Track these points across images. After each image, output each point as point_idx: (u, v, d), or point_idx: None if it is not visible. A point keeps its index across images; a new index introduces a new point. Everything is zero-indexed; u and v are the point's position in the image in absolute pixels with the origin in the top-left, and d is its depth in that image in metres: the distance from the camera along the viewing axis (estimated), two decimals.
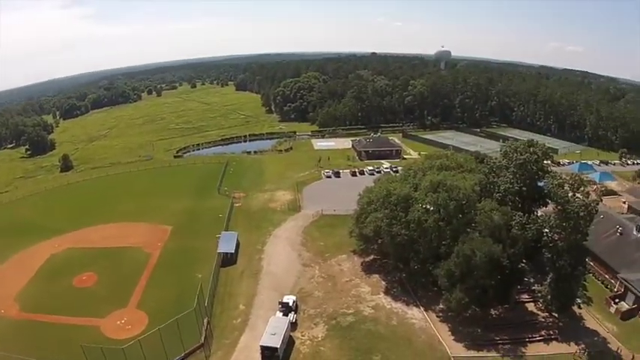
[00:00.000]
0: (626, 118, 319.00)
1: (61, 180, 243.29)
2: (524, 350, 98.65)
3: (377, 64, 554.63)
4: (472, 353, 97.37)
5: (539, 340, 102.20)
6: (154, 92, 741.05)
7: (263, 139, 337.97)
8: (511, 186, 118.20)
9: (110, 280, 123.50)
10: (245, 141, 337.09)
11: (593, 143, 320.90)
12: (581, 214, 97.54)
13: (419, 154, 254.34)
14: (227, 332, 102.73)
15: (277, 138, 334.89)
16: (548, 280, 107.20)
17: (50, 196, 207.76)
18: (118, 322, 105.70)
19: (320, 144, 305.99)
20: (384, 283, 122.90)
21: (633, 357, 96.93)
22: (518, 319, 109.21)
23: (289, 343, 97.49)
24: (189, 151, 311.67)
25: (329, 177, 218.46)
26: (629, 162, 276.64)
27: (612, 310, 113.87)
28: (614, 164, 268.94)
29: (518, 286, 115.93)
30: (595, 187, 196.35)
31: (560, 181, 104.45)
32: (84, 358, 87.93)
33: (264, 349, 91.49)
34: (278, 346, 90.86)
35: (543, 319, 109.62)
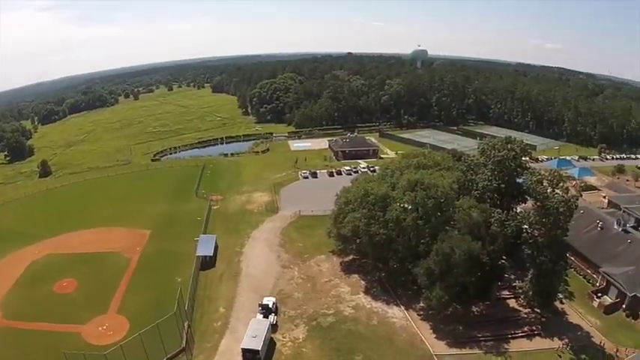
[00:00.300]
0: (605, 114, 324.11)
1: (40, 186, 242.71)
2: (506, 346, 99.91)
3: (353, 64, 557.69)
4: (454, 351, 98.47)
5: (521, 336, 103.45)
6: (131, 96, 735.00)
7: (240, 141, 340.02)
8: (489, 183, 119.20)
9: (90, 285, 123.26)
10: (222, 143, 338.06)
11: (572, 139, 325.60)
12: (561, 209, 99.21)
13: (396, 154, 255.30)
14: (208, 336, 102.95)
15: (254, 140, 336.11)
16: (529, 276, 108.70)
17: (30, 202, 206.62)
18: (100, 328, 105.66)
19: (297, 145, 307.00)
20: (363, 282, 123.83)
21: (617, 350, 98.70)
22: (500, 316, 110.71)
23: (270, 345, 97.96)
24: (166, 155, 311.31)
25: (306, 178, 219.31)
26: (608, 157, 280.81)
27: (595, 304, 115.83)
28: (594, 160, 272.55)
29: (499, 283, 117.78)
30: (574, 182, 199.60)
31: (539, 177, 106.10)
32: None
33: (246, 352, 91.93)
34: (259, 349, 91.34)
35: (525, 315, 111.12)
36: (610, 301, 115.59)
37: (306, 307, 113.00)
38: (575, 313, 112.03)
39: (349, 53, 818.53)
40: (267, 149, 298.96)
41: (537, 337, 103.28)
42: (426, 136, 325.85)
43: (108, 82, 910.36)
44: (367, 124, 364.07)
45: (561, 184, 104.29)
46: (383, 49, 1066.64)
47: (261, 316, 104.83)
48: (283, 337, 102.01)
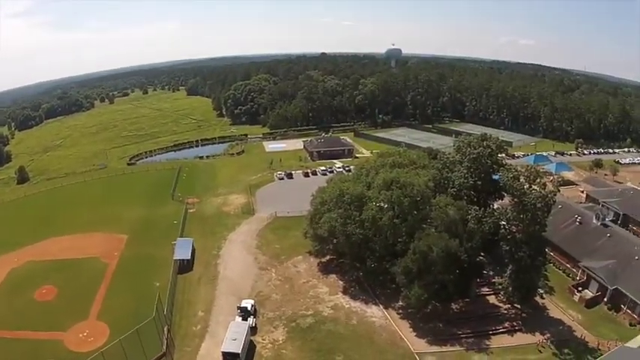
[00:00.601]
0: (581, 109, 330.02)
1: (18, 192, 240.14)
2: (488, 343, 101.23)
3: (327, 64, 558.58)
4: (435, 349, 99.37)
5: (503, 332, 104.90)
6: (106, 100, 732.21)
7: (215, 144, 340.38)
8: (465, 180, 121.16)
9: (70, 292, 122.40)
10: (197, 146, 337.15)
11: (548, 135, 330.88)
12: (539, 205, 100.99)
13: (371, 153, 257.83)
14: (188, 340, 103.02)
15: (229, 141, 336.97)
16: (508, 272, 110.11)
17: (8, 209, 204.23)
18: (81, 335, 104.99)
19: (272, 146, 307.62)
20: (341, 282, 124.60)
21: (599, 344, 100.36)
22: (480, 312, 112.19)
23: (250, 347, 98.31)
24: (142, 158, 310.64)
25: (281, 179, 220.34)
26: (585, 152, 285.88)
27: (576, 298, 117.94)
28: (571, 155, 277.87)
29: (478, 280, 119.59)
30: (551, 178, 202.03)
31: (516, 173, 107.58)
32: None
33: (226, 355, 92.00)
34: (239, 352, 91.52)
35: (506, 311, 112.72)
36: (591, 294, 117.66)
37: (285, 308, 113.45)
38: (556, 308, 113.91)
39: (323, 53, 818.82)
40: (243, 151, 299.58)
41: (518, 333, 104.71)
42: (401, 134, 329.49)
43: (83, 87, 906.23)
44: (342, 124, 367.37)
45: (538, 180, 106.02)
46: (357, 48, 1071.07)
47: (240, 318, 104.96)
48: (263, 340, 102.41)
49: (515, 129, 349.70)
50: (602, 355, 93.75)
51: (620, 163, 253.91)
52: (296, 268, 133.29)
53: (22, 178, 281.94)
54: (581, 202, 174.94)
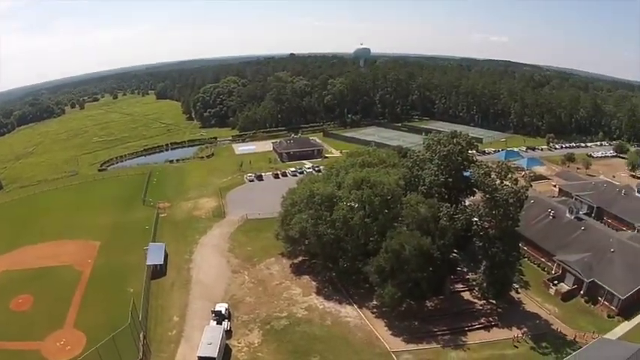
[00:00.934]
0: (552, 104, 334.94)
1: None
2: (464, 339, 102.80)
3: (296, 65, 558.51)
4: (412, 347, 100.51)
5: (479, 328, 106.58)
6: (77, 105, 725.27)
7: (185, 147, 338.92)
8: (436, 178, 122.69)
9: (46, 301, 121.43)
10: (167, 150, 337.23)
11: (519, 130, 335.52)
12: (511, 200, 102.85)
13: (341, 153, 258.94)
14: (164, 345, 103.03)
15: (199, 145, 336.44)
16: (482, 268, 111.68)
17: None
18: (58, 344, 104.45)
19: (241, 148, 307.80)
20: (314, 283, 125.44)
21: (576, 336, 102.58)
22: (456, 309, 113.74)
23: (226, 351, 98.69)
24: (113, 164, 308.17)
25: (252, 181, 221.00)
26: (557, 146, 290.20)
27: (552, 292, 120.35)
28: (542, 150, 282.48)
29: (452, 277, 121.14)
30: (523, 173, 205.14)
31: (487, 169, 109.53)
32: None
33: None
34: (215, 356, 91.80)
35: (481, 307, 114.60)
36: (567, 288, 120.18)
37: (259, 311, 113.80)
38: (532, 302, 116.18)
39: (292, 54, 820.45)
40: (212, 154, 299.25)
41: (495, 328, 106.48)
42: (371, 133, 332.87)
43: (55, 93, 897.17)
44: (311, 125, 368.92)
45: (510, 176, 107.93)
46: (326, 49, 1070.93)
47: (215, 322, 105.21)
48: (238, 343, 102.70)
49: (486, 125, 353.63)
50: (580, 347, 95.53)
51: (593, 157, 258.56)
52: (269, 270, 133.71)
53: None
54: (554, 197, 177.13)
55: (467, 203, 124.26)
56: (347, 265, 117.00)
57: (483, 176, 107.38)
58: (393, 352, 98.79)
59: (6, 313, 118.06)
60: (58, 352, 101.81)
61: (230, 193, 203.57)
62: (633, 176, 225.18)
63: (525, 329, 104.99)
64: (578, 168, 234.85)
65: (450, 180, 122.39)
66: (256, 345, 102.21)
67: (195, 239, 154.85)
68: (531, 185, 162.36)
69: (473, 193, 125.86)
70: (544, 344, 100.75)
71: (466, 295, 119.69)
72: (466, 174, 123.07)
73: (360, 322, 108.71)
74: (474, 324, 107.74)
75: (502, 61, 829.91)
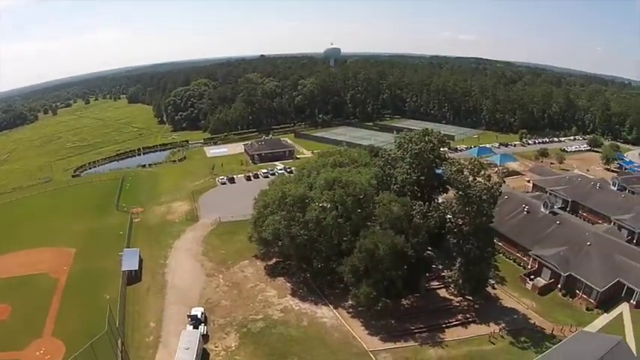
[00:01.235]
0: (524, 100, 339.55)
1: None
2: (442, 336, 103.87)
3: (266, 66, 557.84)
4: (389, 345, 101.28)
5: (456, 325, 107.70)
6: (49, 111, 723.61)
7: (157, 151, 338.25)
8: (408, 176, 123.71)
9: (24, 310, 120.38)
10: (140, 154, 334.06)
11: (491, 127, 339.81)
12: (484, 197, 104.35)
13: (312, 153, 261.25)
14: (142, 351, 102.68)
15: (171, 148, 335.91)
16: (458, 265, 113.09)
17: None
18: (37, 353, 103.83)
19: (213, 151, 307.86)
20: (289, 285, 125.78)
21: (553, 329, 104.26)
22: (432, 307, 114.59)
23: (204, 356, 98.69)
24: (86, 170, 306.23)
25: (224, 183, 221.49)
26: (530, 142, 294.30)
27: (529, 286, 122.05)
28: (515, 145, 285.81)
29: (427, 274, 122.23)
30: (496, 169, 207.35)
31: (459, 166, 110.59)
32: None
33: None
34: None
35: (458, 304, 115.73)
36: (544, 282, 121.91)
37: (235, 314, 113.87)
38: (509, 297, 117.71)
39: (262, 55, 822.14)
40: (184, 157, 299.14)
41: (472, 325, 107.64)
42: (342, 133, 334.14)
43: (27, 99, 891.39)
44: (282, 126, 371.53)
45: (482, 172, 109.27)
46: (296, 49, 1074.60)
47: (191, 327, 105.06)
48: (216, 347, 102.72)
49: (458, 123, 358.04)
50: (560, 341, 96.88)
51: (567, 151, 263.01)
52: (243, 272, 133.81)
53: None
54: (527, 192, 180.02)
55: (440, 201, 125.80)
56: (321, 266, 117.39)
57: (456, 173, 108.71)
58: (370, 351, 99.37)
59: None
60: None
61: (203, 197, 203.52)
62: (607, 169, 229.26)
63: (503, 324, 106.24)
64: (551, 163, 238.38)
65: (423, 178, 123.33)
66: (233, 348, 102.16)
67: (170, 244, 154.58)
68: (504, 181, 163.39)
69: (446, 191, 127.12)
70: (523, 339, 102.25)
71: (442, 293, 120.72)
72: (438, 171, 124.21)
73: (336, 323, 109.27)
74: (451, 321, 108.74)
75: (473, 58, 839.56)
